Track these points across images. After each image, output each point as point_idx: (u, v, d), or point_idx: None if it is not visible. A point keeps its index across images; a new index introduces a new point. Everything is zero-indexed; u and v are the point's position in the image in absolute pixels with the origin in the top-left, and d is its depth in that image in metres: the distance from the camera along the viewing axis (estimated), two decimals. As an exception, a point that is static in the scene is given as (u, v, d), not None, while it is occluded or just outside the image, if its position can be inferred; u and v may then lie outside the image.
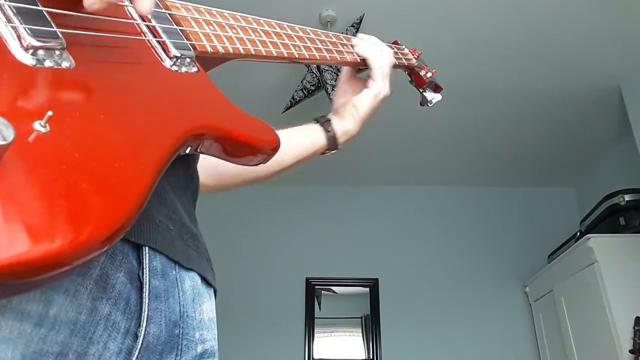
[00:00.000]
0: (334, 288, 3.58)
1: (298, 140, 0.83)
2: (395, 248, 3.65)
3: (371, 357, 3.34)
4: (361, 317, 3.51)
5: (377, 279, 3.55)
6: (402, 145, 3.38)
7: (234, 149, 0.50)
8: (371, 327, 3.42)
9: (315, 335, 3.40)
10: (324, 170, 3.61)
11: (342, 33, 2.45)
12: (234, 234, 3.64)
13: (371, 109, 0.86)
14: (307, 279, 3.54)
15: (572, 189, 3.88)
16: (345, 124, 0.85)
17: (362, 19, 2.36)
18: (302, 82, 2.61)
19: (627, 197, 2.74)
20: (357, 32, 2.38)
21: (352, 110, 0.85)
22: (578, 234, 3.03)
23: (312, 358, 3.32)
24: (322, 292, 3.56)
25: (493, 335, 3.37)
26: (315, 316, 3.46)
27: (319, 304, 3.52)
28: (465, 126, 3.19)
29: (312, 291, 3.52)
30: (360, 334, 3.46)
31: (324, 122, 0.85)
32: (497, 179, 3.80)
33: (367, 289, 3.54)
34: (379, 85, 0.86)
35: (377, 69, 0.86)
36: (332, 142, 0.84)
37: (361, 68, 0.90)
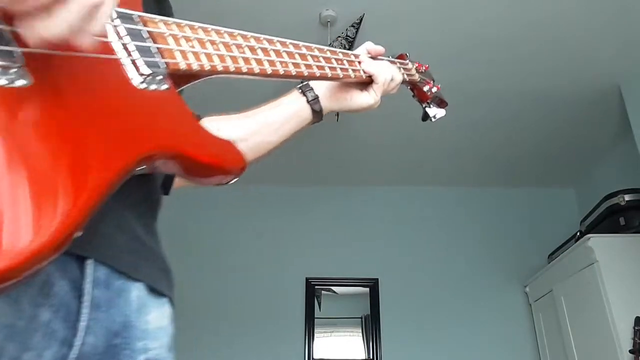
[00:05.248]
0: (334, 288, 3.58)
1: (287, 124, 0.89)
2: (395, 248, 3.65)
3: (371, 357, 3.34)
4: (361, 317, 3.50)
5: (377, 279, 3.55)
6: (402, 145, 3.37)
7: (194, 170, 0.50)
8: (371, 327, 3.42)
9: (315, 335, 3.40)
10: (324, 169, 3.61)
11: (342, 33, 2.45)
12: (233, 234, 3.64)
13: (358, 111, 0.91)
14: (307, 279, 3.54)
15: (572, 189, 3.88)
16: (333, 105, 0.90)
17: (362, 19, 2.36)
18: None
19: (627, 197, 2.74)
20: (357, 32, 2.38)
21: (343, 102, 0.90)
22: (578, 234, 3.03)
23: (312, 358, 3.32)
24: (322, 292, 3.56)
25: (493, 335, 3.37)
26: (315, 316, 3.46)
27: (319, 304, 3.52)
28: (466, 126, 3.18)
29: (312, 291, 3.52)
30: (360, 334, 3.45)
31: (313, 102, 0.89)
32: (497, 179, 3.80)
33: (367, 289, 3.54)
34: (377, 98, 0.90)
35: (380, 86, 0.89)
36: (318, 119, 0.90)
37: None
